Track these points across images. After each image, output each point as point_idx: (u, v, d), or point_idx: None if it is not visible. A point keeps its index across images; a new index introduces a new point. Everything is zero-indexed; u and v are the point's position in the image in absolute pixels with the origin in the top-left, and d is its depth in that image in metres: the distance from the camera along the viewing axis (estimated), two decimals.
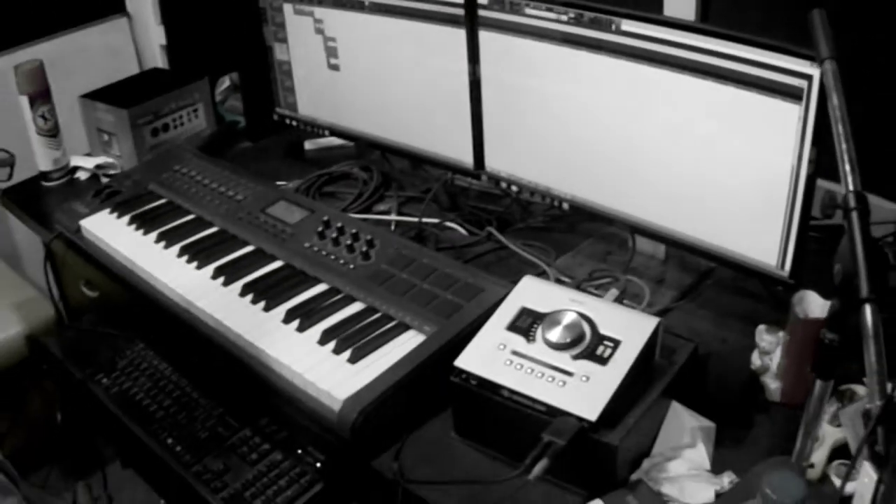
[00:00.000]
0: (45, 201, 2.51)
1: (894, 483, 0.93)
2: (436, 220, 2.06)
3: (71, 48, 3.40)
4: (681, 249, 1.68)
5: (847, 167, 1.03)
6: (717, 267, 1.72)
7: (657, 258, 1.80)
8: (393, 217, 2.10)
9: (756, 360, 1.50)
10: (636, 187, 1.68)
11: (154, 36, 3.48)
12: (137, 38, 3.64)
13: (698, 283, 1.75)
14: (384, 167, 2.33)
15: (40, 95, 2.50)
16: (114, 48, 3.61)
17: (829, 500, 1.26)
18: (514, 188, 1.92)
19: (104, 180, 2.47)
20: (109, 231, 2.06)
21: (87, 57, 3.42)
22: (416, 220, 2.05)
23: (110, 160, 2.56)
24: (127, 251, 1.97)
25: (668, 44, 1.53)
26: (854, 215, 1.00)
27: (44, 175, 2.58)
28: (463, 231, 2.02)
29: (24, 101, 2.50)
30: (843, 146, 1.05)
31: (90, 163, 2.58)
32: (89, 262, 2.12)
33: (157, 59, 3.47)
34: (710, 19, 1.95)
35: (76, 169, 2.60)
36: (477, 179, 2.01)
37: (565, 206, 1.82)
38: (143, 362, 1.89)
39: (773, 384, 1.47)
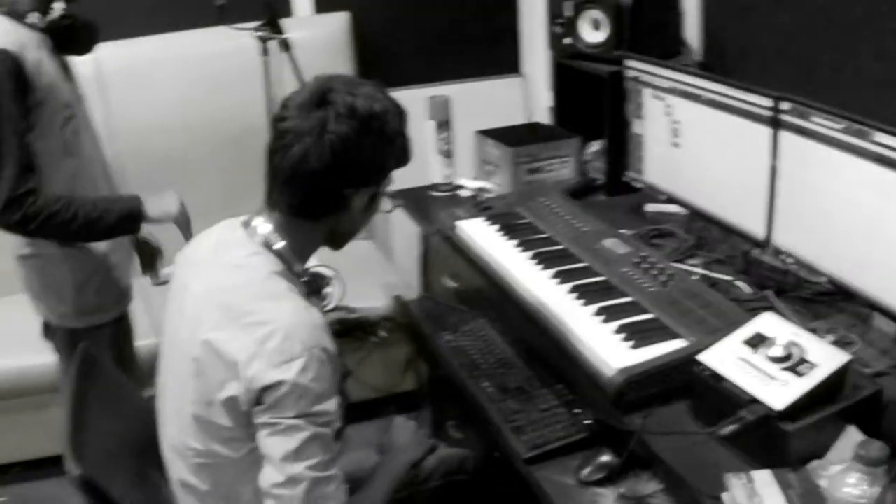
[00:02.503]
0: (429, 206, 3.36)
1: None
2: (729, 278, 2.67)
3: (472, 93, 4.28)
4: None
5: None
6: None
7: (890, 336, 2.35)
8: (698, 270, 2.74)
9: None
10: (880, 271, 2.24)
11: (542, 96, 4.29)
12: (528, 96, 4.51)
13: None
14: (702, 232, 2.96)
15: (444, 123, 3.36)
16: (506, 100, 4.49)
17: None
18: (790, 261, 2.54)
19: (479, 198, 3.28)
20: (481, 233, 2.88)
21: (483, 102, 4.25)
22: (713, 274, 2.69)
23: (490, 185, 3.37)
24: (493, 250, 2.78)
25: None
26: None
27: (434, 186, 3.44)
28: (747, 290, 2.63)
29: (432, 125, 3.36)
30: None
31: (473, 184, 3.41)
32: (458, 255, 2.93)
33: (541, 117, 4.26)
34: None
35: (460, 186, 3.44)
36: (764, 249, 2.63)
37: (824, 279, 2.42)
38: (481, 331, 2.67)
39: None
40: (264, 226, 1.99)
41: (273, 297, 1.90)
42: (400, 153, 2.00)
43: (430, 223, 3.18)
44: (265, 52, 3.38)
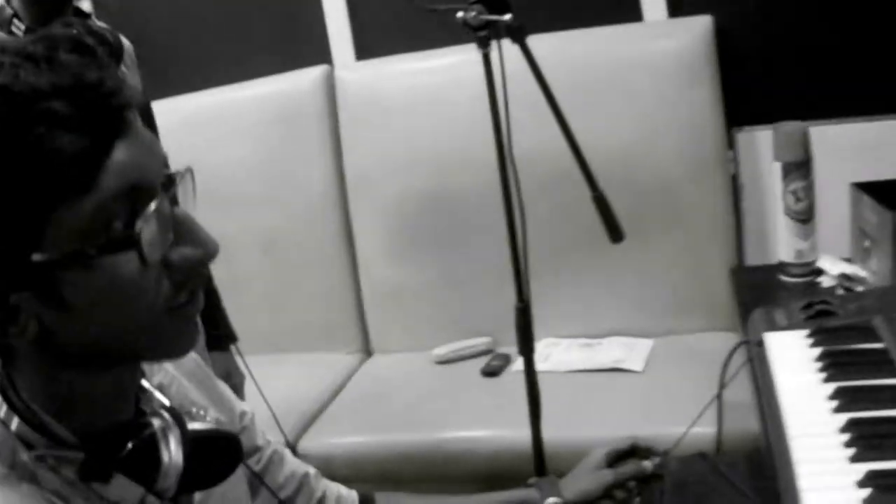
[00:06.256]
0: (774, 296, 2.19)
1: None
2: None
3: (849, 126, 3.22)
4: None
5: None
6: None
7: None
8: None
9: None
10: None
11: None
12: None
13: None
14: None
15: (798, 166, 2.16)
16: None
17: None
18: None
19: (838, 292, 2.05)
20: (787, 358, 1.65)
21: (867, 138, 3.24)
22: None
23: (860, 273, 2.11)
24: (788, 392, 1.54)
25: None
26: None
27: (782, 267, 2.25)
28: None
29: (777, 168, 2.18)
30: None
31: (837, 268, 2.17)
32: (755, 385, 1.76)
33: None
34: None
35: (821, 272, 2.22)
36: None
37: None
38: None
39: None
40: None
41: None
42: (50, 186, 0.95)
43: (746, 326, 1.98)
44: (484, 49, 2.09)
